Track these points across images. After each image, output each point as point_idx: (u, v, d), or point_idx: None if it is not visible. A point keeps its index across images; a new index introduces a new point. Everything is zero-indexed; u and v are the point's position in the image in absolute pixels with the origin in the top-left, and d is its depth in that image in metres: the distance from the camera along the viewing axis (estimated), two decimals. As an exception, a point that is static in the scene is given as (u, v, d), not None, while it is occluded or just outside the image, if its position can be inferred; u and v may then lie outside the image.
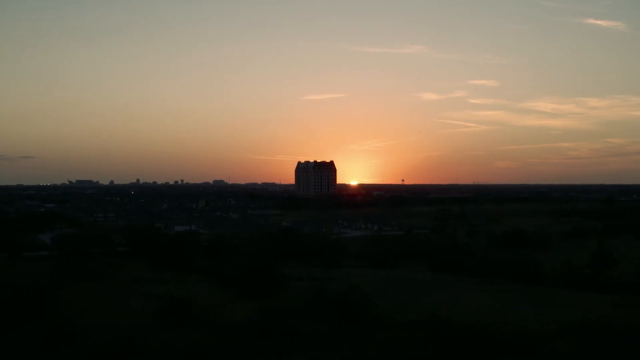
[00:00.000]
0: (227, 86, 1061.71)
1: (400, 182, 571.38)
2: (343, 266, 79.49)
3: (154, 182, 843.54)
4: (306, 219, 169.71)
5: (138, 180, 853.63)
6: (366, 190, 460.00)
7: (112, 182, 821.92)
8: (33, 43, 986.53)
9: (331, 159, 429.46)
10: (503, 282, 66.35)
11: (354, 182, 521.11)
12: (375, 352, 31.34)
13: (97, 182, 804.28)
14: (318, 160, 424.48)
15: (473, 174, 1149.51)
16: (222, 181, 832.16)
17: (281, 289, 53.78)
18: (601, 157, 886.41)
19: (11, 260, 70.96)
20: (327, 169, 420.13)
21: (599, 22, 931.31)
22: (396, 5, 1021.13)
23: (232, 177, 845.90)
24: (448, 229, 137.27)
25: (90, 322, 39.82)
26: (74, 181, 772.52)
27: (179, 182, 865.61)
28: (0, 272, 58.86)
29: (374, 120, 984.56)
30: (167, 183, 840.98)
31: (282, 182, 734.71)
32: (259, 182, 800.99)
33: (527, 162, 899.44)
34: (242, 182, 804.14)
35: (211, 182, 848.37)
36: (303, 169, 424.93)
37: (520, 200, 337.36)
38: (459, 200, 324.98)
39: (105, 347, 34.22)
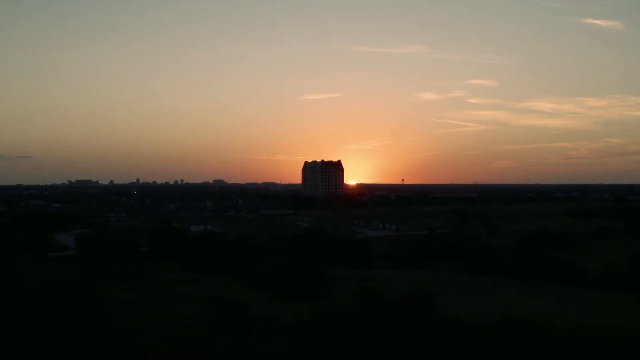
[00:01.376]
0: (226, 86, 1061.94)
1: (400, 182, 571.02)
2: (372, 267, 78.23)
3: (154, 182, 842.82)
4: (321, 219, 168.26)
5: (138, 180, 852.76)
6: (369, 190, 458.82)
7: (111, 181, 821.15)
8: (32, 43, 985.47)
9: (338, 159, 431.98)
10: (545, 283, 65.15)
11: (352, 182, 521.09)
12: (454, 356, 30.08)
13: (97, 182, 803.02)
14: (325, 160, 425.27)
15: (472, 174, 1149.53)
16: (222, 181, 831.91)
17: (326, 291, 52.56)
18: (600, 157, 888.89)
19: (35, 261, 69.62)
20: (334, 168, 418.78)
21: (597, 21, 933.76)
22: (395, 5, 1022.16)
23: (231, 177, 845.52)
24: (469, 229, 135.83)
25: (140, 324, 38.74)
26: (73, 181, 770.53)
27: (179, 182, 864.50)
28: (31, 273, 57.27)
29: (372, 120, 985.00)
30: (167, 183, 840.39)
31: (283, 182, 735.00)
32: (259, 182, 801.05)
33: (526, 162, 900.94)
34: (242, 182, 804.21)
35: (211, 181, 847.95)
36: (310, 168, 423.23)
37: (528, 200, 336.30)
38: (467, 200, 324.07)
39: (168, 351, 33.11)
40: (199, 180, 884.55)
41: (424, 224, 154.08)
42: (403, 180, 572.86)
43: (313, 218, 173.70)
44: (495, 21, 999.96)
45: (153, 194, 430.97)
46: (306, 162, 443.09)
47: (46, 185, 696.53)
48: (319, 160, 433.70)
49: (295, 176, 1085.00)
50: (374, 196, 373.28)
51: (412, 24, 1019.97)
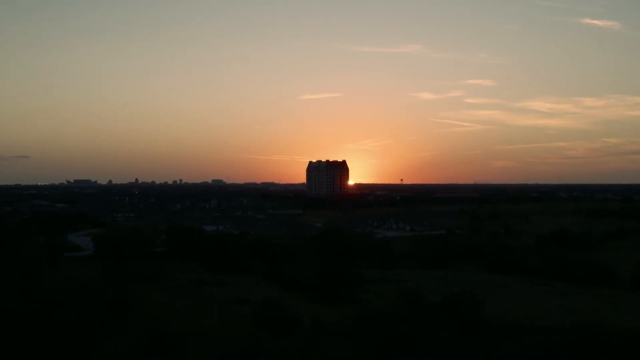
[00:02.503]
0: (225, 86, 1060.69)
1: (399, 182, 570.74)
2: (396, 267, 77.50)
3: (153, 182, 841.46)
4: (333, 219, 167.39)
5: (137, 180, 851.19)
6: (370, 190, 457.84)
7: (110, 181, 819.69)
8: (29, 43, 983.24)
9: (343, 159, 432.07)
10: (576, 284, 64.53)
11: (350, 182, 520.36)
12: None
13: (96, 182, 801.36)
14: (330, 160, 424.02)
15: (471, 174, 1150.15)
16: (220, 181, 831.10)
17: (361, 293, 51.83)
18: (598, 157, 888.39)
19: (53, 262, 68.70)
20: (339, 168, 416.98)
21: (595, 21, 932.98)
22: (393, 5, 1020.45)
23: (230, 177, 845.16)
24: (486, 229, 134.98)
25: (182, 327, 38.03)
26: (72, 181, 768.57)
27: (178, 182, 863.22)
28: (58, 275, 56.45)
29: (370, 119, 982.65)
30: (166, 183, 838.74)
31: (282, 182, 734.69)
32: (258, 181, 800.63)
33: (524, 162, 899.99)
34: (241, 181, 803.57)
35: (210, 181, 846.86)
36: (315, 168, 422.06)
37: (534, 199, 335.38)
38: (473, 200, 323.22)
39: (221, 355, 32.45)
40: (197, 180, 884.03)
41: (438, 224, 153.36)
42: (402, 180, 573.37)
43: (324, 218, 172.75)
44: (493, 21, 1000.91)
45: (154, 193, 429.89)
46: (311, 162, 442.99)
47: (45, 185, 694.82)
48: (323, 160, 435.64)
49: (293, 176, 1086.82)
50: (378, 196, 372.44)
51: (411, 24, 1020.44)
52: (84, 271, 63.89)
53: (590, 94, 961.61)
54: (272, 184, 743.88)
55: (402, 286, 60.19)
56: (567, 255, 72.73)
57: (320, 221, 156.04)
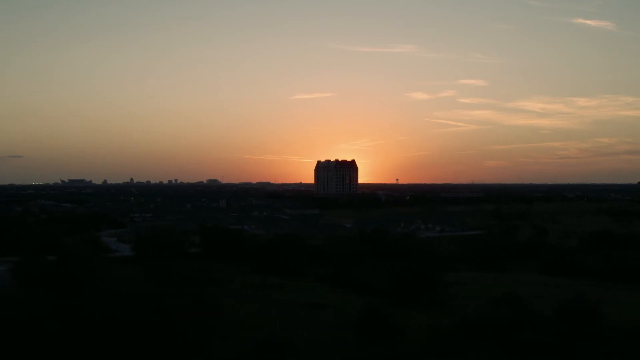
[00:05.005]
0: (218, 86, 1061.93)
1: (394, 182, 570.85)
2: (448, 269, 75.39)
3: (148, 182, 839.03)
4: (359, 219, 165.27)
5: (132, 179, 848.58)
6: (370, 190, 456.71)
7: (105, 181, 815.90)
8: (22, 42, 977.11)
9: (352, 158, 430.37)
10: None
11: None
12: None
13: (90, 181, 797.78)
14: (339, 159, 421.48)
15: (464, 173, 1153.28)
16: (216, 180, 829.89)
17: (444, 297, 49.71)
18: (590, 157, 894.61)
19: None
20: (348, 168, 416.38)
21: (588, 21, 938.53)
22: (386, 4, 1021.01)
23: (225, 177, 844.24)
24: (520, 230, 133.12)
25: (281, 335, 35.99)
26: (66, 180, 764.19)
27: (173, 182, 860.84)
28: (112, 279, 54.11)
29: (363, 119, 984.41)
30: (161, 182, 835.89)
31: (277, 182, 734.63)
32: (254, 181, 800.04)
33: (517, 162, 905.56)
34: (236, 181, 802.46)
35: (205, 181, 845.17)
36: (324, 168, 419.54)
37: (545, 199, 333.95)
38: (481, 199, 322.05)
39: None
40: (192, 179, 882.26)
41: (468, 224, 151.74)
42: (397, 180, 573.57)
43: (349, 218, 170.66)
44: (485, 21, 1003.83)
45: (156, 193, 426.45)
46: (319, 162, 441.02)
47: (40, 184, 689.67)
48: (326, 159, 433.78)
49: (287, 176, 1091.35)
50: (382, 196, 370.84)
51: (404, 24, 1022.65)
52: (133, 274, 61.81)
53: (583, 94, 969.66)
54: (269, 184, 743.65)
55: (470, 289, 58.39)
56: (632, 256, 70.85)
57: (349, 221, 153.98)
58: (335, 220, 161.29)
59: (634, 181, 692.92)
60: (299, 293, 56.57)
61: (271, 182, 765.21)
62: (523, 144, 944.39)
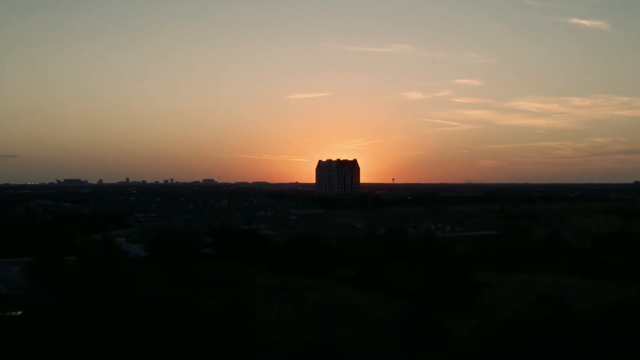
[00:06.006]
0: (214, 86, 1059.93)
1: (390, 182, 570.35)
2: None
3: (144, 181, 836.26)
4: (364, 219, 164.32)
5: (127, 179, 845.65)
6: (368, 190, 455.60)
7: (100, 181, 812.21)
8: (18, 42, 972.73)
9: (346, 158, 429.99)
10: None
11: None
12: None
13: (86, 181, 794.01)
14: (341, 159, 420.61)
15: (459, 173, 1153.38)
16: (212, 180, 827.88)
17: (478, 298, 48.74)
18: (585, 157, 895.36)
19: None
20: (350, 167, 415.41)
21: (583, 21, 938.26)
22: (381, 4, 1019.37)
23: (221, 177, 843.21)
24: (534, 230, 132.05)
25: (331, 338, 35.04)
26: (62, 180, 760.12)
27: (169, 181, 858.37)
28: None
29: (359, 119, 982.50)
30: (157, 182, 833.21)
31: (273, 182, 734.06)
32: (250, 181, 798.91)
33: (512, 162, 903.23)
34: (232, 181, 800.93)
35: (201, 181, 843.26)
36: (325, 167, 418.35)
37: (547, 199, 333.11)
38: (480, 199, 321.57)
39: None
40: (188, 179, 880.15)
41: (477, 224, 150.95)
42: (394, 179, 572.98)
43: (355, 218, 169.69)
44: (481, 21, 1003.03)
45: (154, 193, 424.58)
46: (320, 161, 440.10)
47: (36, 184, 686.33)
48: (327, 159, 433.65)
49: (284, 175, 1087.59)
50: (388, 196, 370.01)
51: (399, 24, 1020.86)
52: (154, 274, 60.67)
53: (578, 93, 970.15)
54: (265, 184, 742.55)
55: (498, 290, 57.33)
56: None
57: (359, 221, 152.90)
58: (344, 220, 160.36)
59: (629, 180, 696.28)
60: (327, 294, 55.66)
61: (267, 181, 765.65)
62: (518, 144, 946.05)
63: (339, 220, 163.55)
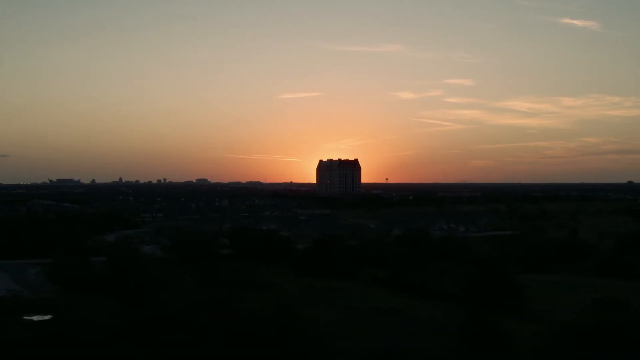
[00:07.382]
0: (206, 86, 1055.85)
1: (384, 181, 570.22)
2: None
3: (137, 181, 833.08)
4: (377, 219, 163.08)
5: (120, 179, 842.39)
6: (365, 189, 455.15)
7: (93, 180, 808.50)
8: (11, 40, 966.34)
9: (347, 157, 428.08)
10: None
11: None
12: None
13: (79, 180, 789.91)
14: (342, 159, 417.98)
15: (451, 173, 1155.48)
16: (205, 180, 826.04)
17: (523, 301, 47.27)
18: (576, 156, 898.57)
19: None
20: (351, 167, 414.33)
21: (574, 21, 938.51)
22: (372, 4, 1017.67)
23: (214, 176, 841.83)
24: (550, 230, 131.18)
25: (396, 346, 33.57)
26: (54, 180, 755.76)
27: (162, 181, 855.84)
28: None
29: (350, 119, 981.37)
30: (150, 182, 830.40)
31: (267, 181, 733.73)
32: (243, 181, 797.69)
33: (503, 161, 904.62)
34: (225, 181, 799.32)
35: (194, 180, 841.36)
36: (326, 167, 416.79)
37: (549, 199, 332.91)
38: (479, 199, 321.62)
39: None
40: (181, 179, 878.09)
41: (491, 225, 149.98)
42: (387, 179, 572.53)
43: (367, 219, 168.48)
44: (472, 20, 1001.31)
45: (148, 193, 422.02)
46: (321, 161, 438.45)
47: (29, 184, 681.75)
48: (324, 159, 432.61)
49: (277, 175, 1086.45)
50: (386, 196, 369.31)
51: (390, 24, 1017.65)
52: (180, 275, 59.07)
53: (569, 93, 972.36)
54: (259, 183, 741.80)
55: (538, 292, 55.76)
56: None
57: (372, 222, 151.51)
58: (354, 220, 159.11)
59: (621, 180, 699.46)
60: (362, 297, 54.12)
61: (261, 181, 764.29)
62: (510, 144, 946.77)
63: (348, 220, 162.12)
